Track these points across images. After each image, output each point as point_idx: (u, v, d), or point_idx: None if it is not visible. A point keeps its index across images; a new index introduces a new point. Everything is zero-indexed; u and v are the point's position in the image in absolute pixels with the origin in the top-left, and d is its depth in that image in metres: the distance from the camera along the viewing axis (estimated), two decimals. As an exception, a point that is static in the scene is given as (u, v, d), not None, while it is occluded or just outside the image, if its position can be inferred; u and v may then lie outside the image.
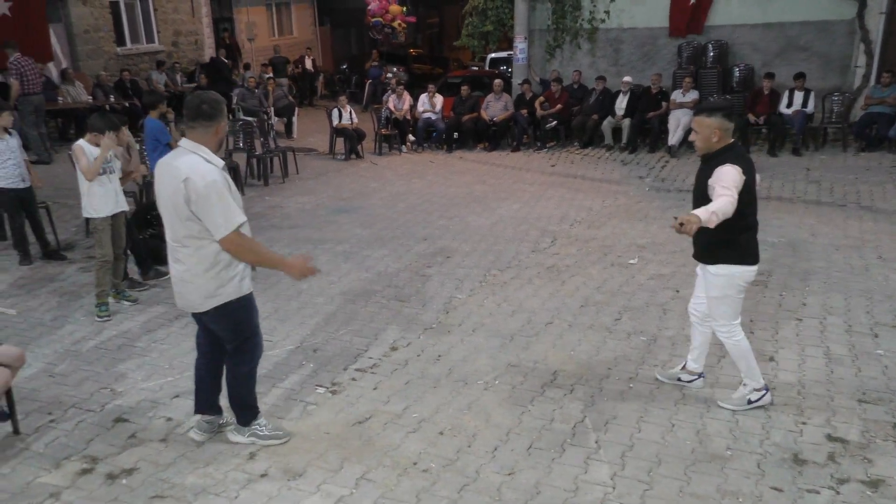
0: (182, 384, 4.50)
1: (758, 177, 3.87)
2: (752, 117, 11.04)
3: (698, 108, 3.83)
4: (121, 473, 3.60)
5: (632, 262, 6.57)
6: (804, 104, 10.87)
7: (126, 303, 5.77)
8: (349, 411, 4.18)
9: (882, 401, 4.06)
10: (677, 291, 5.81)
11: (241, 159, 10.33)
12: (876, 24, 11.28)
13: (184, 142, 3.38)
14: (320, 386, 4.47)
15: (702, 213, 3.47)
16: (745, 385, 4.03)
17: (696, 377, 4.28)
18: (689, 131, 11.27)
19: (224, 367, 3.77)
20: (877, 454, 3.57)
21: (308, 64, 20.04)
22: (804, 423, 3.86)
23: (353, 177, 10.81)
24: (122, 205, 5.65)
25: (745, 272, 3.83)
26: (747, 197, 3.67)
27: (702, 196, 3.73)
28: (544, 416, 4.07)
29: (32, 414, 4.16)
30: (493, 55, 17.96)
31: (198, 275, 3.39)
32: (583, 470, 3.56)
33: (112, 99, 13.52)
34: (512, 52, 14.25)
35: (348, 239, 7.55)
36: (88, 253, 6.93)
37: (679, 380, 4.30)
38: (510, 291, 5.98)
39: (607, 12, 13.10)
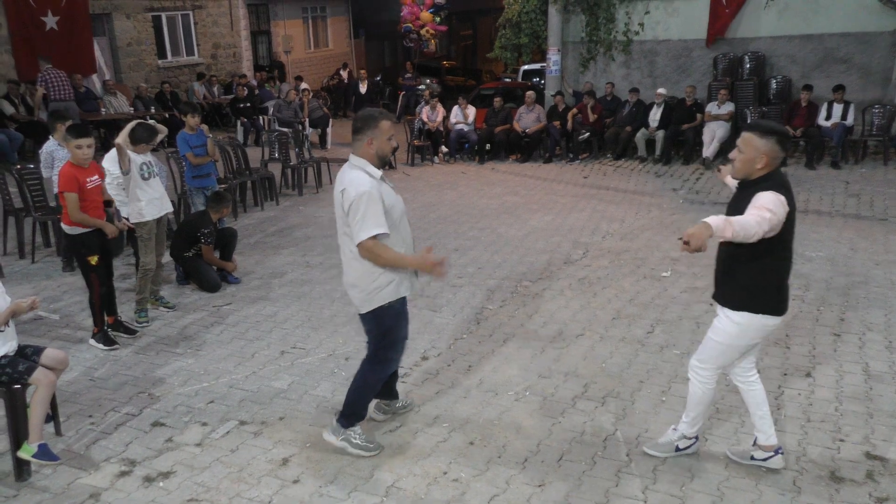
0: (217, 390, 4.59)
1: None
2: (789, 130, 10.89)
3: (750, 125, 3.27)
4: (158, 476, 3.68)
5: (665, 274, 6.51)
6: (843, 117, 10.69)
7: (164, 309, 5.90)
8: (379, 420, 4.20)
9: (923, 419, 3.97)
10: (711, 305, 5.73)
11: (276, 169, 10.49)
12: (918, 36, 11.08)
13: (350, 156, 3.61)
14: (352, 394, 4.51)
15: (715, 220, 2.95)
16: (674, 430, 3.69)
17: (773, 453, 3.53)
18: (724, 144, 11.34)
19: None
20: (918, 474, 3.50)
21: (344, 75, 20.30)
22: (842, 441, 3.79)
23: (385, 187, 10.89)
24: (167, 207, 5.77)
25: (767, 324, 3.29)
26: (787, 233, 3.17)
27: None
28: (575, 428, 4.05)
29: (73, 416, 4.28)
30: (525, 67, 18.01)
31: (356, 280, 3.62)
32: (614, 483, 3.54)
33: (153, 110, 13.86)
34: (545, 64, 14.27)
35: (381, 249, 7.60)
36: (127, 260, 7.10)
37: (753, 458, 3.57)
38: (541, 303, 5.97)
39: (641, 24, 13.07)
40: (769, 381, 4.46)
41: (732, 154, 3.26)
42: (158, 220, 5.63)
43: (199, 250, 6.39)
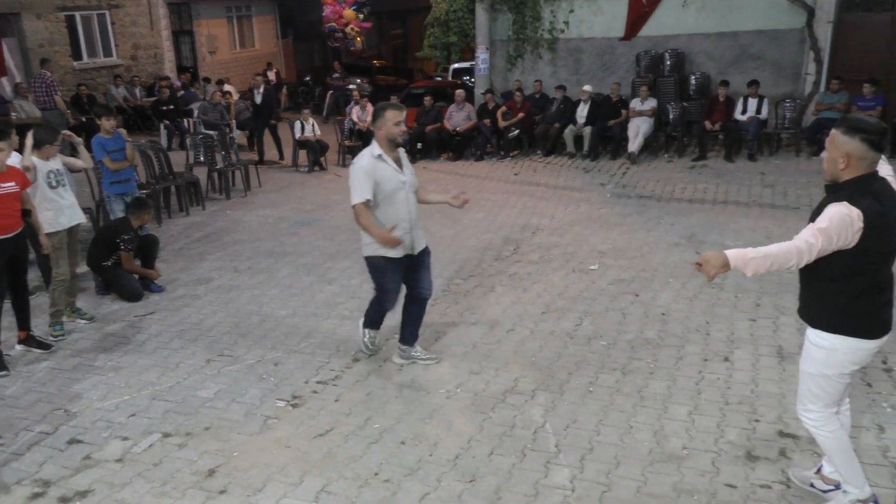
0: (139, 402, 4.43)
1: None
2: (708, 124, 11.27)
3: (840, 120, 2.92)
4: (74, 496, 3.54)
5: (593, 268, 6.65)
6: (758, 111, 11.13)
7: (82, 321, 5.67)
8: (310, 424, 4.15)
9: (832, 397, 4.16)
10: (637, 296, 5.89)
11: (202, 173, 10.22)
12: (824, 33, 11.61)
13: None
14: (281, 399, 4.44)
15: (736, 254, 2.75)
16: (845, 493, 3.09)
17: (833, 488, 3.23)
18: (648, 139, 11.67)
19: (413, 308, 4.76)
20: (827, 449, 3.66)
21: (271, 76, 19.94)
22: (757, 421, 3.95)
23: (316, 189, 10.77)
24: (79, 217, 5.54)
25: (858, 349, 2.88)
26: (873, 251, 2.78)
27: None
28: (505, 422, 4.09)
29: (-18, 438, 4.06)
30: (456, 66, 18.07)
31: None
32: (543, 474, 3.59)
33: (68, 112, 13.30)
34: (474, 63, 14.37)
35: (311, 252, 7.52)
36: (38, 272, 6.78)
37: (812, 486, 3.32)
38: (473, 300, 6.01)
39: (566, 22, 13.28)
40: (690, 366, 4.63)
41: (823, 153, 2.94)
42: (70, 230, 5.41)
43: (119, 258, 6.15)
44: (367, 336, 4.93)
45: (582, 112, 12.20)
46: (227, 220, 8.99)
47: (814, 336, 2.95)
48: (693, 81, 12.51)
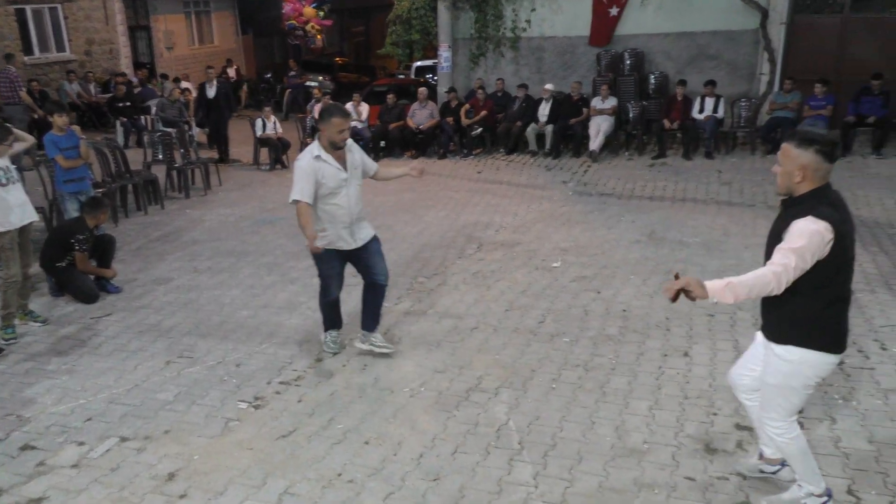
0: (95, 406, 4.34)
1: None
2: (667, 123, 11.46)
3: (790, 134, 2.91)
4: None
5: (555, 265, 6.71)
6: (715, 110, 11.36)
7: (35, 324, 5.51)
8: (273, 425, 4.11)
9: (786, 390, 4.27)
10: (598, 293, 5.97)
11: (160, 172, 10.02)
12: (777, 34, 11.91)
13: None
14: (243, 401, 4.39)
15: (716, 285, 2.73)
16: (799, 487, 3.18)
17: (780, 466, 3.37)
18: (609, 137, 11.82)
19: (370, 295, 4.91)
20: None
21: (231, 73, 19.66)
22: (715, 414, 4.03)
23: (277, 187, 10.65)
24: (31, 215, 5.40)
25: (823, 362, 2.92)
26: (838, 261, 2.79)
27: (772, 253, 2.85)
28: (469, 420, 4.11)
29: (-70, 445, 3.93)
30: (418, 63, 18.04)
31: None
32: (506, 471, 3.61)
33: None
34: (437, 61, 14.36)
35: (272, 251, 7.44)
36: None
37: (762, 472, 3.44)
38: (437, 298, 6.01)
39: (528, 21, 13.36)
40: (650, 362, 4.70)
41: (774, 168, 2.92)
42: (22, 229, 5.26)
43: (73, 259, 5.99)
44: (329, 337, 5.02)
45: (544, 110, 12.28)
46: (186, 220, 8.83)
47: (781, 350, 2.95)
48: (652, 81, 12.71)
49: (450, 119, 12.62)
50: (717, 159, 11.09)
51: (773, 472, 3.40)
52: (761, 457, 3.42)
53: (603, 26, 12.91)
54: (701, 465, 3.59)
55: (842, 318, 2.93)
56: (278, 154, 12.00)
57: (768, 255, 2.88)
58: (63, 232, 6.11)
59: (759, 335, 3.15)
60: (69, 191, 6.67)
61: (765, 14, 11.79)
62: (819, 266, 2.76)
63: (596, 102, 12.02)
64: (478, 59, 13.92)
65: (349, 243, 4.66)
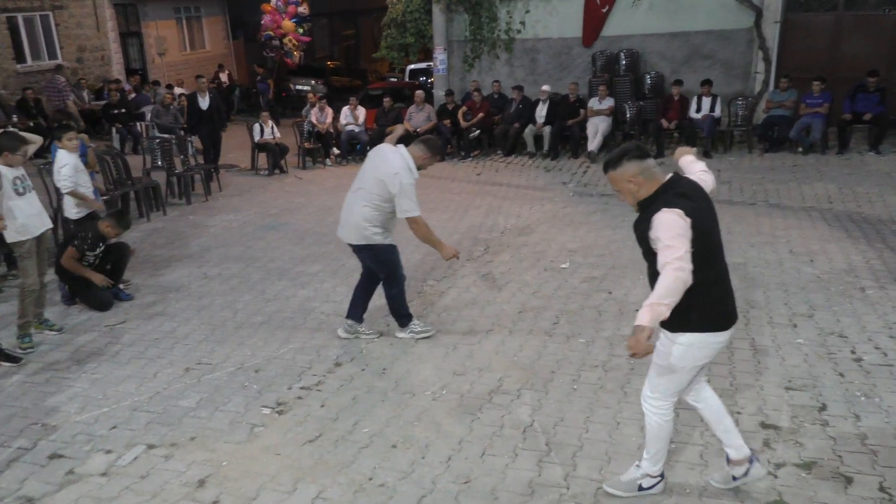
0: (119, 414, 4.33)
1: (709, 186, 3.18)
2: (664, 123, 11.54)
3: (603, 166, 3.11)
4: (61, 513, 3.44)
5: (564, 266, 6.75)
6: (712, 109, 11.46)
7: (50, 332, 5.49)
8: (298, 431, 4.12)
9: (806, 387, 4.33)
10: (610, 293, 6.01)
11: (159, 178, 9.98)
12: (772, 33, 12.03)
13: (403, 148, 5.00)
14: (266, 407, 4.39)
15: (645, 315, 2.80)
16: (638, 466, 3.38)
17: (749, 464, 3.33)
18: (607, 138, 11.88)
19: (371, 287, 5.31)
20: (806, 438, 3.81)
21: (224, 78, 19.60)
22: (739, 413, 4.08)
23: (278, 192, 10.64)
24: (47, 223, 5.37)
25: (712, 342, 3.02)
26: (704, 244, 2.90)
27: (649, 252, 2.98)
28: (494, 422, 4.13)
29: (-44, 457, 3.91)
30: (412, 66, 18.09)
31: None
32: (536, 473, 3.64)
33: (15, 119, 12.82)
34: (431, 63, 14.38)
35: (280, 256, 7.44)
36: (3, 284, 6.55)
37: (734, 478, 3.37)
38: (448, 301, 6.03)
39: (522, 23, 13.42)
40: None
41: (620, 197, 3.11)
42: (38, 238, 5.23)
43: (88, 264, 5.93)
44: (417, 325, 5.30)
45: (541, 112, 12.34)
46: (190, 226, 8.81)
47: (669, 335, 3.05)
48: (648, 81, 12.80)
49: (447, 121, 12.65)
50: (714, 158, 11.17)
51: (745, 474, 3.33)
52: (728, 461, 3.37)
53: (593, 24, 12.98)
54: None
55: (722, 296, 3.04)
56: (277, 159, 11.98)
57: (645, 256, 3.04)
58: (70, 235, 6.07)
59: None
60: (77, 199, 6.62)
61: (759, 13, 11.91)
62: (692, 253, 2.84)
63: (593, 103, 12.09)
64: (473, 61, 13.96)
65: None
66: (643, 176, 2.96)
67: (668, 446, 3.34)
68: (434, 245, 5.07)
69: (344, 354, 5.08)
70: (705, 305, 2.97)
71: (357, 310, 5.31)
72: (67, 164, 6.05)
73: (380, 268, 5.15)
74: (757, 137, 11.56)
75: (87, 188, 6.28)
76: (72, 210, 6.32)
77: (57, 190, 6.91)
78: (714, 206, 3.07)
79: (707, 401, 3.30)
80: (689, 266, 2.79)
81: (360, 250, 5.11)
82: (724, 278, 3.06)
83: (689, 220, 2.83)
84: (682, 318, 2.94)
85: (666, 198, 2.90)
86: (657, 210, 2.86)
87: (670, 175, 3.01)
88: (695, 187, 3.03)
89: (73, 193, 6.16)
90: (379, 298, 5.36)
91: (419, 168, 4.93)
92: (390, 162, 4.86)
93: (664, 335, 3.08)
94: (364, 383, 4.67)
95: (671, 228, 2.81)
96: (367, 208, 4.92)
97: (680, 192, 2.92)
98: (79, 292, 5.98)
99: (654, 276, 2.94)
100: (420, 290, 6.31)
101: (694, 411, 3.44)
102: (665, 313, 2.79)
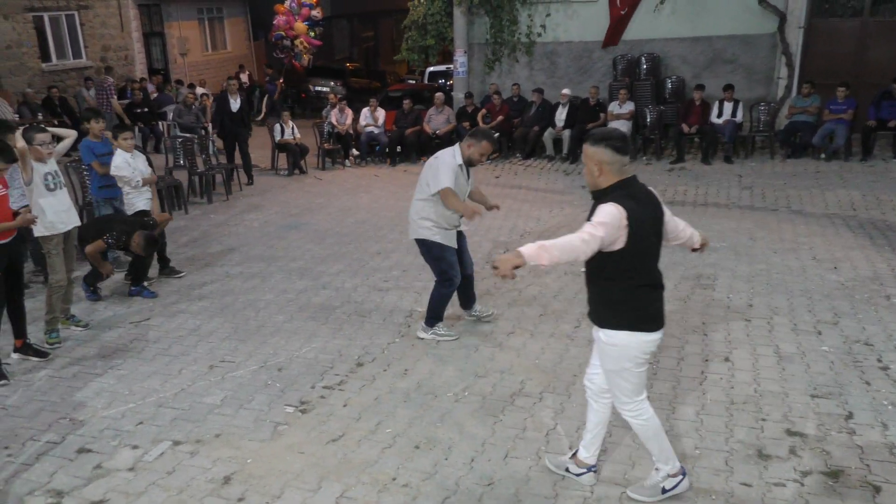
0: (145, 410, 4.38)
1: (675, 221, 3.33)
2: (685, 127, 11.49)
3: (587, 136, 3.19)
4: (90, 506, 3.48)
5: (584, 270, 6.71)
6: (733, 114, 11.38)
7: (77, 328, 5.56)
8: (321, 430, 4.14)
9: (832, 395, 4.29)
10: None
11: (181, 177, 10.07)
12: (795, 38, 11.95)
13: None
14: (289, 405, 4.42)
15: (528, 249, 2.94)
16: (657, 470, 3.41)
17: (586, 470, 3.56)
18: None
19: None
20: (833, 446, 3.78)
21: (244, 78, 19.75)
22: (764, 420, 4.05)
23: (298, 192, 10.71)
24: (75, 220, 5.44)
25: (644, 341, 3.14)
26: (639, 248, 3.04)
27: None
28: (517, 425, 4.13)
29: (-14, 449, 3.97)
30: (431, 69, 18.12)
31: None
32: (560, 476, 3.63)
33: (40, 116, 13.00)
34: (450, 66, 14.40)
35: (301, 256, 7.48)
36: (29, 278, 6.63)
37: (567, 470, 3.60)
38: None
39: (543, 26, 13.42)
40: (692, 367, 4.72)
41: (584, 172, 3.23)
42: (66, 234, 5.31)
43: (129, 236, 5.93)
44: (441, 330, 5.33)
45: (561, 115, 12.33)
46: (211, 225, 8.89)
47: (604, 336, 3.21)
48: (669, 85, 12.74)
49: (466, 124, 12.65)
50: (736, 164, 11.11)
51: (578, 476, 3.56)
52: (574, 455, 3.61)
53: (615, 27, 12.93)
54: (755, 470, 3.61)
55: (651, 300, 3.18)
56: (297, 159, 12.05)
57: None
58: (106, 222, 6.10)
59: (594, 330, 3.35)
60: (104, 196, 6.72)
61: (782, 18, 11.83)
62: (623, 253, 3.02)
63: (613, 107, 12.05)
64: (493, 64, 13.97)
65: (453, 244, 5.22)
66: (610, 167, 3.07)
67: (667, 442, 3.39)
68: (459, 210, 5.06)
69: (366, 355, 5.11)
70: (637, 308, 3.14)
71: (467, 301, 5.60)
72: (128, 164, 6.32)
73: (431, 264, 5.27)
74: (779, 143, 11.47)
75: (145, 170, 6.56)
76: (139, 201, 6.47)
77: (84, 189, 7.03)
78: (662, 219, 3.21)
79: (600, 403, 3.48)
80: (594, 244, 2.97)
81: (419, 246, 5.27)
82: (654, 285, 3.20)
83: (626, 220, 2.98)
84: (617, 316, 3.15)
85: (616, 195, 3.03)
86: (608, 202, 3.01)
87: (630, 176, 3.12)
88: (647, 195, 3.17)
89: (146, 180, 6.50)
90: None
91: (469, 159, 5.05)
92: (439, 154, 5.14)
93: (602, 338, 3.23)
94: (386, 384, 4.69)
95: (607, 216, 2.98)
96: (418, 200, 5.13)
97: (631, 194, 3.06)
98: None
99: (590, 274, 3.23)
100: (441, 291, 6.31)
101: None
102: (545, 260, 2.96)
